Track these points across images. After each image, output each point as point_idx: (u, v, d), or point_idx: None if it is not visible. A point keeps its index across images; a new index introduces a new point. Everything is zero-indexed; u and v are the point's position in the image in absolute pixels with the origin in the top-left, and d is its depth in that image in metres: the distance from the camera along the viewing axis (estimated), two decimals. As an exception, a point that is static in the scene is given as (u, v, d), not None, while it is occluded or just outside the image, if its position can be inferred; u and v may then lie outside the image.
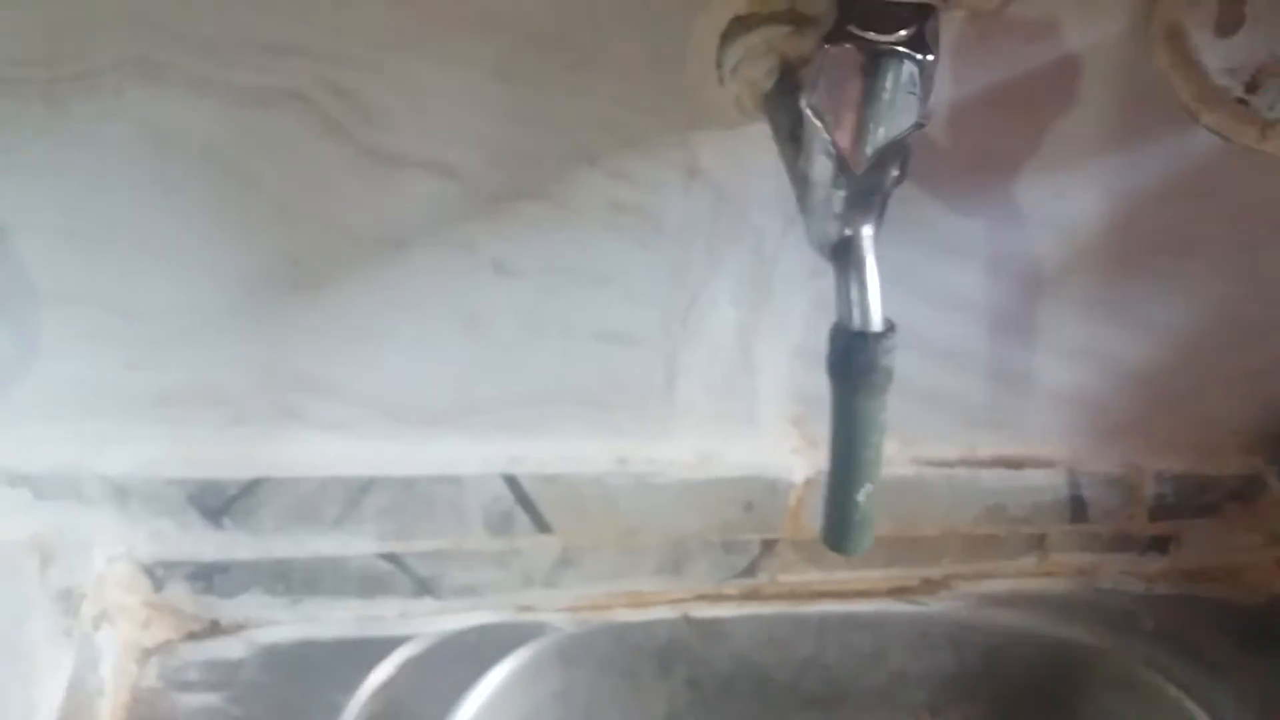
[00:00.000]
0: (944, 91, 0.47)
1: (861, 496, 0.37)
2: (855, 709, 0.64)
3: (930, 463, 0.61)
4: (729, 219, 0.51)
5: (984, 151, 0.50)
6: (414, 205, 0.48)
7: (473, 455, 0.57)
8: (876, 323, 0.36)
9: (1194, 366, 0.59)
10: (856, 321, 0.36)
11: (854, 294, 0.36)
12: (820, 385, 0.57)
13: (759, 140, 0.46)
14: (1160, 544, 0.65)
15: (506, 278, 0.51)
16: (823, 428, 0.60)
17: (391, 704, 0.56)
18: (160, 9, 0.41)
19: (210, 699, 0.56)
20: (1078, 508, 0.63)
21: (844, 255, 0.36)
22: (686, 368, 0.56)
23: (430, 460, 0.56)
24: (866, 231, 0.36)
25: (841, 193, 0.35)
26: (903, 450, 0.61)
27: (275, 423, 0.55)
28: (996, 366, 0.58)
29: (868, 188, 0.34)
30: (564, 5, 0.43)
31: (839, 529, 0.38)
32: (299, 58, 0.43)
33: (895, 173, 0.34)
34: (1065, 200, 0.52)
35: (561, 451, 0.58)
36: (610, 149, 0.48)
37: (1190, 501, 0.63)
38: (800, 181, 0.37)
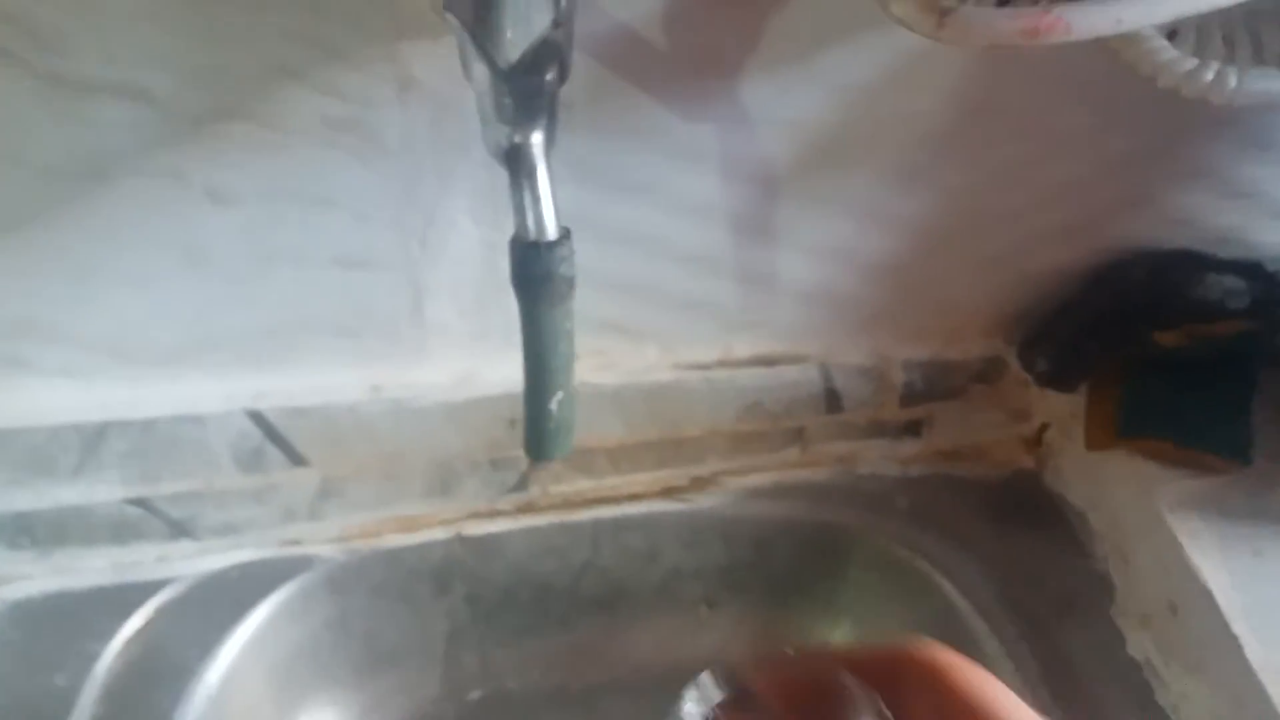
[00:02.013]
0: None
1: (554, 405, 0.37)
2: (635, 607, 0.66)
3: (689, 366, 0.62)
4: (453, 131, 0.49)
5: (705, 53, 0.50)
6: (109, 133, 0.45)
7: (213, 393, 0.55)
8: (551, 231, 0.35)
9: (932, 256, 0.61)
10: (531, 231, 0.35)
11: (527, 202, 0.35)
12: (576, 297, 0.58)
13: (473, 49, 0.45)
14: (913, 428, 0.68)
15: (224, 206, 0.49)
16: (582, 339, 0.61)
17: (149, 648, 0.55)
18: None
19: (-48, 664, 0.54)
20: (832, 399, 0.65)
21: (515, 163, 0.35)
22: (433, 289, 0.55)
23: (168, 401, 0.54)
24: (536, 138, 0.35)
25: (506, 99, 0.34)
26: (662, 356, 0.62)
27: (-5, 372, 0.52)
28: (744, 268, 0.59)
29: (528, 91, 0.34)
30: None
31: (535, 437, 0.38)
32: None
33: (552, 75, 0.34)
34: (789, 98, 0.52)
35: (310, 383, 0.56)
36: (314, 63, 0.45)
37: (937, 386, 0.67)
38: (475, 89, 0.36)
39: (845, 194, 0.57)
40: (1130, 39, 0.46)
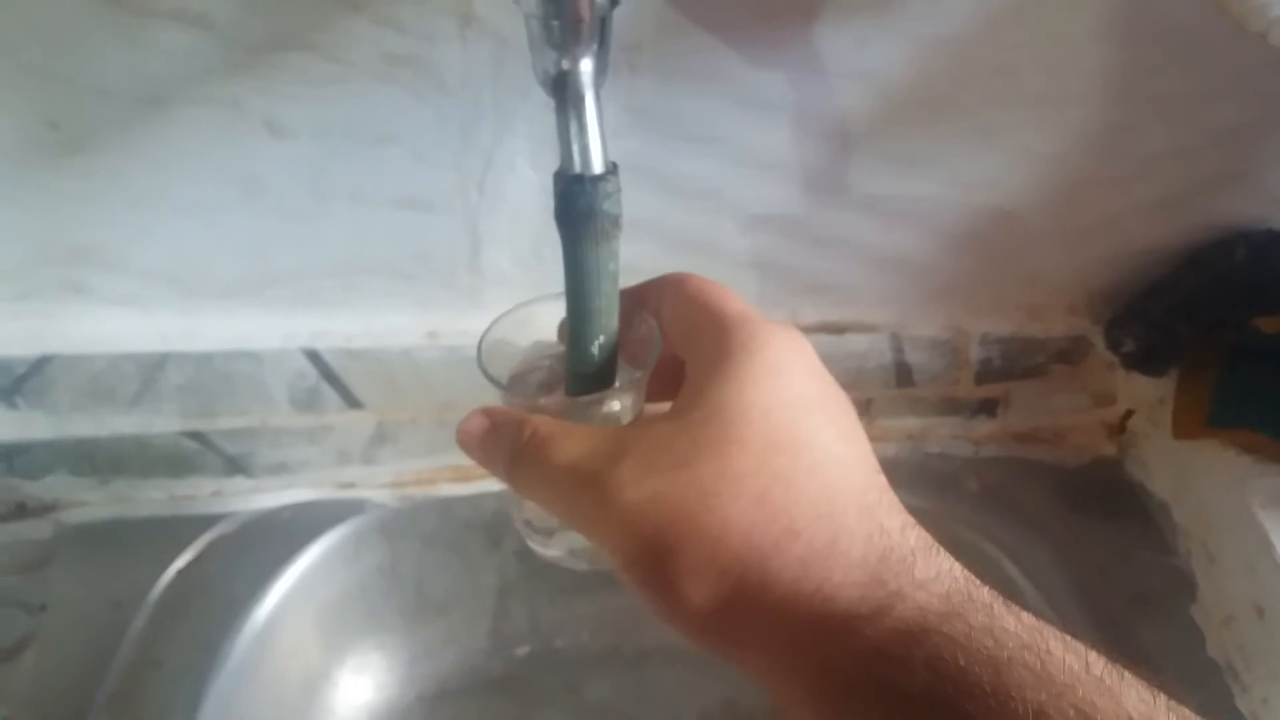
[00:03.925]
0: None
1: (595, 349, 0.35)
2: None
3: (752, 329, 0.60)
4: (514, 72, 0.48)
5: (778, -4, 0.48)
6: (168, 59, 0.45)
7: (271, 330, 0.55)
8: (597, 165, 0.33)
9: (1016, 225, 0.57)
10: (577, 163, 0.34)
11: (572, 132, 0.33)
12: (635, 251, 0.56)
13: (537, -15, 0.44)
14: (988, 407, 0.65)
15: (282, 139, 0.48)
16: (641, 295, 0.59)
17: (201, 581, 0.56)
18: None
19: (12, 580, 0.55)
20: (903, 372, 0.62)
21: (562, 91, 0.33)
22: (491, 235, 0.54)
23: (226, 335, 0.55)
24: (585, 65, 0.33)
25: (554, 21, 0.33)
26: (725, 317, 0.60)
27: (60, 298, 0.53)
28: (814, 229, 0.56)
29: (576, 13, 0.32)
30: None
31: (575, 383, 0.36)
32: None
33: (603, -3, 0.32)
34: (868, 48, 0.49)
35: (367, 325, 0.56)
36: (375, -6, 0.45)
37: (1016, 364, 0.63)
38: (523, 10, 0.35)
39: (925, 154, 0.54)
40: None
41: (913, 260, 0.58)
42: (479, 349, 0.37)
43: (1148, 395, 0.63)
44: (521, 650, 0.66)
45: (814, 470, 0.28)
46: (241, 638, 0.55)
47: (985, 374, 0.63)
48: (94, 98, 0.46)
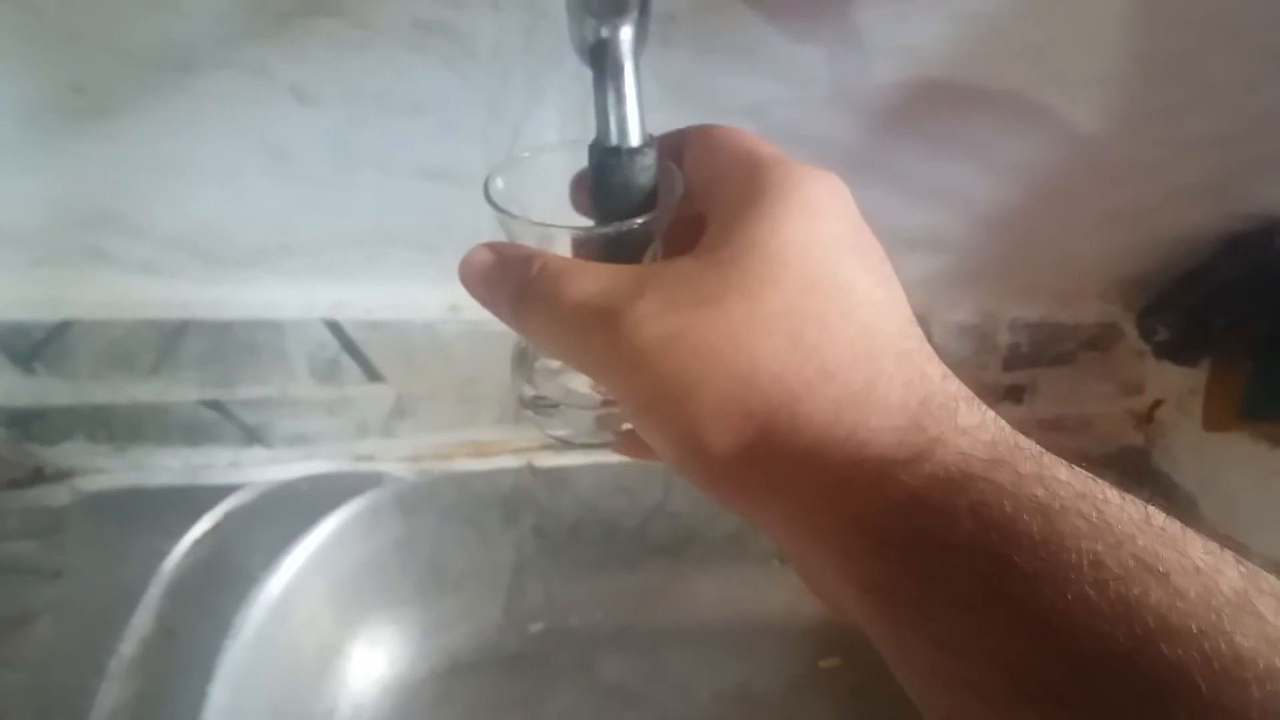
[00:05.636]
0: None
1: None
2: (705, 554, 0.64)
3: (778, 309, 0.59)
4: (547, 41, 0.47)
5: (818, -30, 0.47)
6: (197, 23, 0.44)
7: (293, 299, 0.54)
8: (635, 137, 0.32)
9: (1051, 208, 0.56)
10: (613, 135, 0.33)
11: (610, 103, 0.32)
12: (662, 227, 0.55)
13: (574, -48, 0.43)
14: (1015, 394, 0.64)
15: (309, 106, 0.47)
16: (667, 272, 0.58)
17: (216, 551, 0.55)
18: None
19: (28, 546, 0.54)
20: (929, 356, 0.61)
21: (600, 60, 0.32)
22: (517, 207, 0.53)
23: (247, 303, 0.54)
24: (625, 34, 0.32)
25: (594, -15, 0.32)
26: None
27: (80, 264, 0.52)
28: (845, 208, 0.56)
29: (619, -21, 0.31)
30: None
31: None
32: None
33: (646, -40, 0.31)
34: (909, 25, 0.48)
35: (389, 297, 0.55)
36: (406, -41, 0.44)
37: (1045, 350, 0.62)
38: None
39: (961, 133, 0.53)
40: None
41: (944, 241, 0.57)
42: (486, 182, 0.33)
43: (1177, 385, 0.62)
44: (535, 627, 0.65)
45: (851, 313, 0.26)
46: (256, 609, 0.54)
47: (1013, 360, 0.62)
48: (120, 61, 0.45)
